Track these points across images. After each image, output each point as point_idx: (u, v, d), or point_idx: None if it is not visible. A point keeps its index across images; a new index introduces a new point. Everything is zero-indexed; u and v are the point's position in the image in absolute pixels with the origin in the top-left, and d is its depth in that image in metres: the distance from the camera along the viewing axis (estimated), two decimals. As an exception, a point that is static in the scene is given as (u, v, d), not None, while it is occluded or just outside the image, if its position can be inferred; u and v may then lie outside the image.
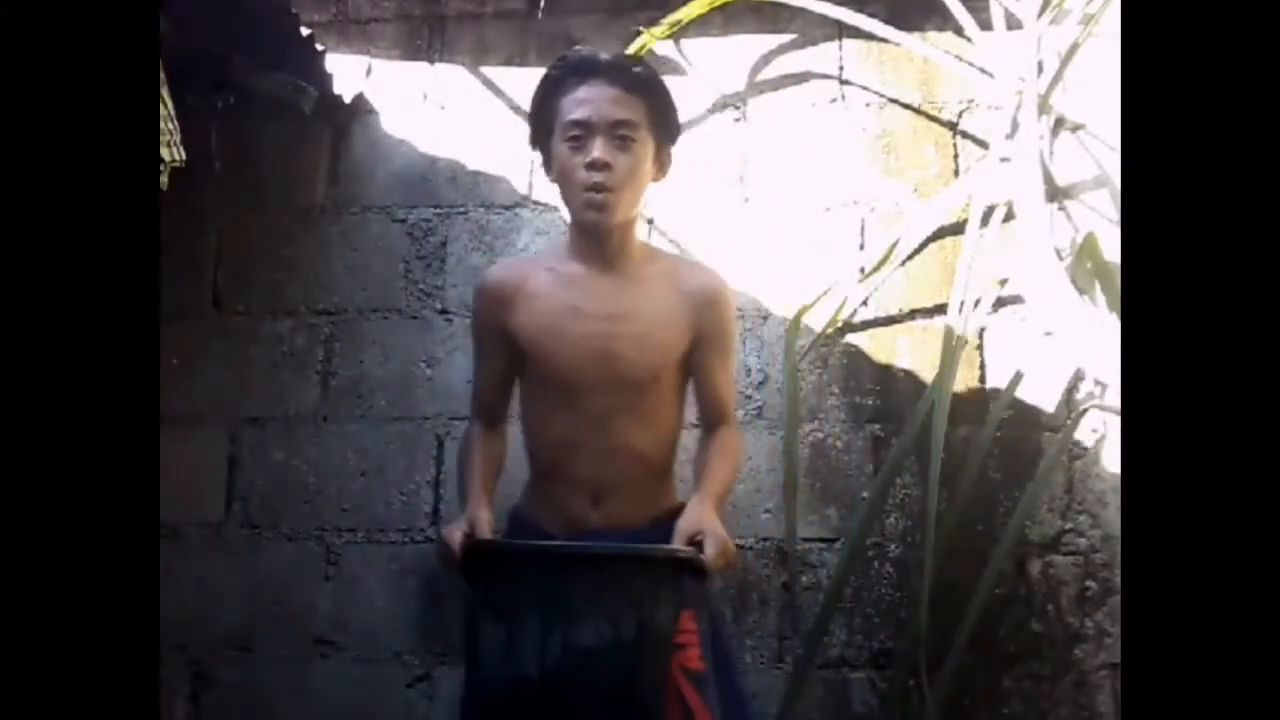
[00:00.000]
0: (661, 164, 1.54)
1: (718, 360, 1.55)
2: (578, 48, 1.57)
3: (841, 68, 2.27)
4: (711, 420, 1.56)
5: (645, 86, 1.49)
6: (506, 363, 1.56)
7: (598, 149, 1.43)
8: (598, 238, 1.50)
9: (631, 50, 2.24)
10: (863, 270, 2.14)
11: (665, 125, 1.52)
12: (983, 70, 2.17)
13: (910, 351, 2.13)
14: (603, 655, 1.23)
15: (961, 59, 2.19)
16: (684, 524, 1.35)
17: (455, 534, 1.34)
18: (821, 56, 2.28)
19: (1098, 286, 1.85)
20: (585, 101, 1.44)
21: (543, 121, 1.51)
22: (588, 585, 1.26)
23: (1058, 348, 2.03)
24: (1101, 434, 2.05)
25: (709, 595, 1.55)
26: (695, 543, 1.31)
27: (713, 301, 1.53)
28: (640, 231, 2.18)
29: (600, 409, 1.47)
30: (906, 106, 2.24)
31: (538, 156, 1.58)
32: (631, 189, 1.47)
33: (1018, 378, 1.97)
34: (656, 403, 1.51)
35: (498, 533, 1.45)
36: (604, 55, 1.50)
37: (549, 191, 1.72)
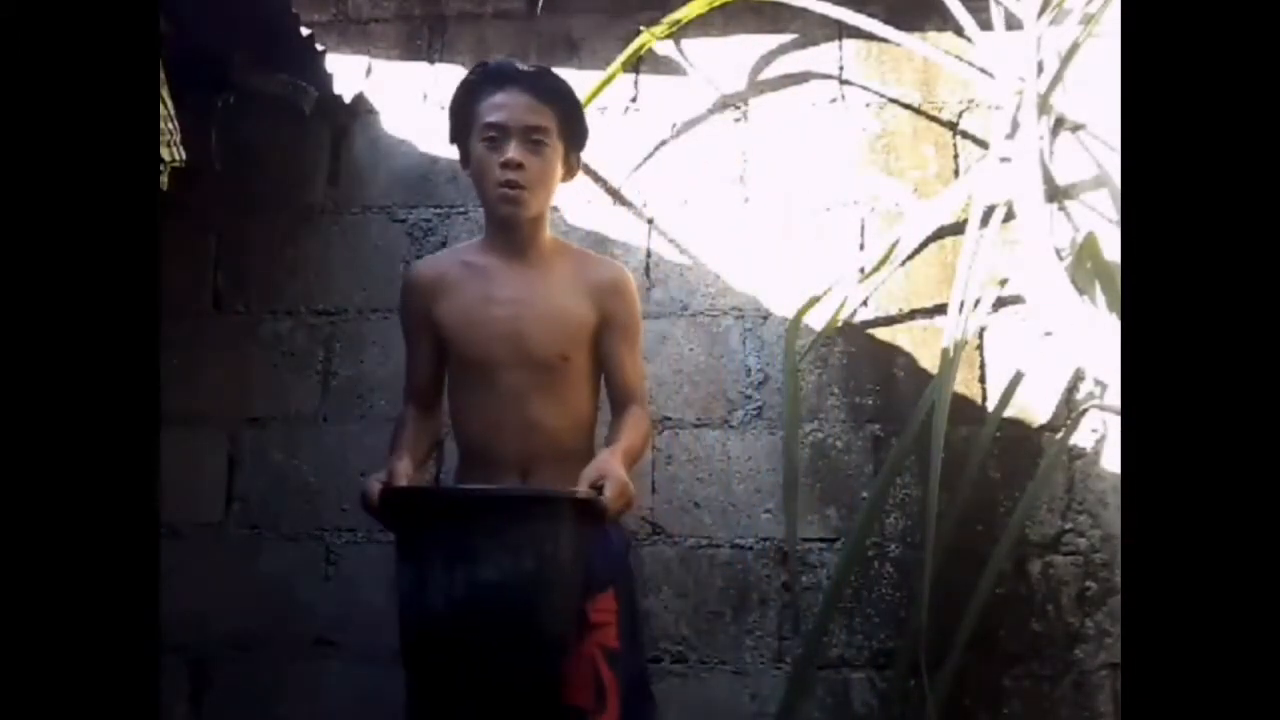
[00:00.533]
0: (570, 167, 1.66)
1: (624, 345, 1.65)
2: (496, 57, 1.70)
3: (841, 68, 2.27)
4: (621, 402, 1.65)
5: (557, 96, 1.61)
6: (433, 350, 1.66)
7: (512, 150, 1.55)
8: (511, 230, 1.62)
9: (631, 50, 2.25)
10: (863, 270, 2.14)
11: (574, 132, 1.64)
12: (983, 70, 2.17)
13: (910, 351, 2.13)
14: (504, 587, 1.29)
15: (961, 59, 2.19)
16: (588, 470, 1.43)
17: (374, 484, 1.43)
18: (821, 56, 2.28)
19: (1098, 286, 1.85)
20: (501, 106, 1.56)
21: (462, 121, 1.63)
22: (491, 526, 1.32)
23: (1058, 348, 2.03)
24: (1101, 434, 2.05)
25: (630, 572, 1.66)
26: (598, 488, 1.39)
27: (616, 290, 1.64)
28: (640, 232, 2.21)
29: (515, 387, 1.58)
30: (906, 106, 2.24)
31: None
32: (543, 188, 1.60)
33: (1018, 378, 1.97)
34: (568, 384, 1.61)
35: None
36: (520, 65, 1.61)
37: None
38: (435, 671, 1.37)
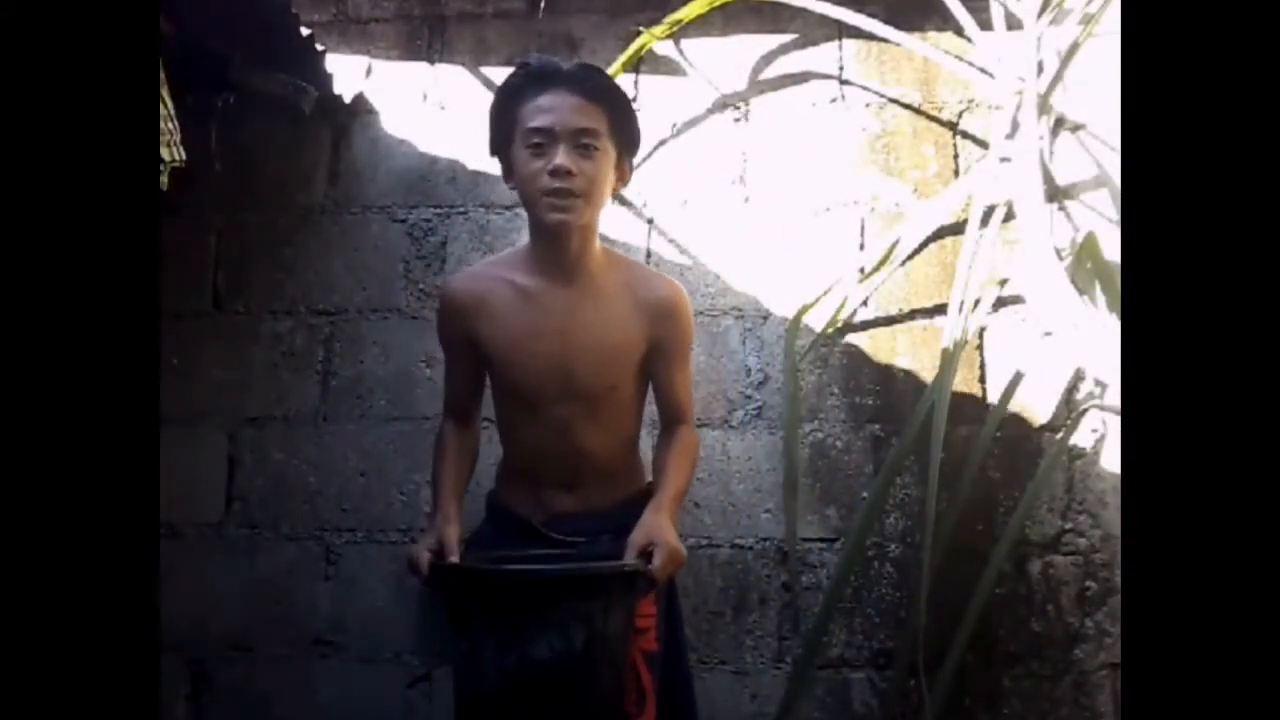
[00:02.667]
0: (622, 173, 1.54)
1: (675, 366, 1.59)
2: (537, 56, 1.57)
3: (841, 68, 2.27)
4: (669, 420, 1.62)
5: (606, 95, 1.49)
6: (473, 366, 1.61)
7: (560, 156, 1.43)
8: (559, 242, 1.50)
9: (631, 50, 2.25)
10: (863, 270, 2.14)
11: (626, 135, 1.52)
12: (983, 70, 2.17)
13: (910, 351, 2.13)
14: (556, 666, 1.30)
15: (961, 59, 2.19)
16: (636, 536, 1.39)
17: (423, 554, 1.41)
18: (821, 56, 2.28)
19: (1098, 286, 1.85)
20: (547, 109, 1.44)
21: (503, 129, 1.51)
22: (540, 604, 1.32)
23: (1058, 348, 2.03)
24: (1101, 434, 2.05)
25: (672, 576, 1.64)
26: (647, 553, 1.37)
27: (670, 313, 1.56)
28: (640, 232, 2.21)
29: (560, 419, 1.53)
30: (906, 106, 2.24)
31: None
32: (595, 195, 1.47)
33: (1018, 378, 1.97)
34: (614, 411, 1.57)
35: (466, 538, 1.51)
36: (564, 64, 1.49)
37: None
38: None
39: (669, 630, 1.55)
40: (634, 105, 1.59)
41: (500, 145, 1.53)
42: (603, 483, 1.55)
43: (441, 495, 1.53)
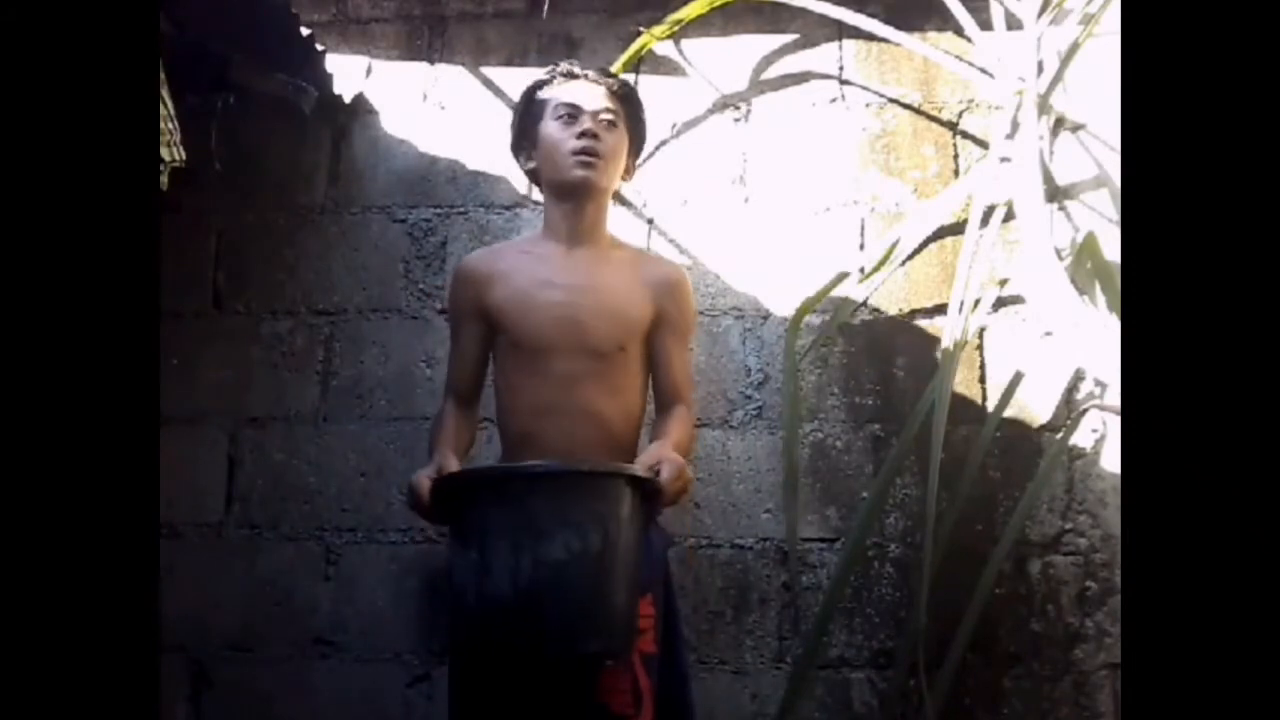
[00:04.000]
0: (628, 167, 1.71)
1: (676, 344, 1.66)
2: (566, 62, 1.72)
3: (841, 68, 2.27)
4: (667, 400, 1.65)
5: (626, 97, 1.68)
6: (480, 342, 1.66)
7: (588, 122, 1.60)
8: (579, 203, 1.63)
9: (631, 50, 2.25)
10: (863, 270, 2.14)
11: (637, 133, 1.71)
12: (983, 70, 2.17)
13: (910, 351, 2.13)
14: (572, 567, 1.27)
15: (961, 59, 2.19)
16: (644, 457, 1.46)
17: (422, 479, 1.41)
18: (821, 56, 2.28)
19: (1098, 286, 1.85)
20: (577, 90, 1.63)
21: (532, 111, 1.66)
22: (553, 504, 1.30)
23: (1058, 348, 2.03)
24: (1101, 434, 2.05)
25: (669, 576, 1.65)
26: (655, 472, 1.41)
27: (673, 289, 1.66)
28: (640, 232, 2.21)
29: (567, 374, 1.56)
30: (906, 106, 2.24)
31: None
32: (614, 163, 1.64)
33: (1018, 378, 1.97)
34: (620, 374, 1.60)
35: None
36: (591, 70, 1.68)
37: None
38: (499, 653, 1.33)
39: (667, 633, 1.55)
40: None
41: (526, 128, 1.67)
42: (604, 458, 1.53)
43: (440, 448, 1.52)
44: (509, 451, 1.62)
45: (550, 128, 1.62)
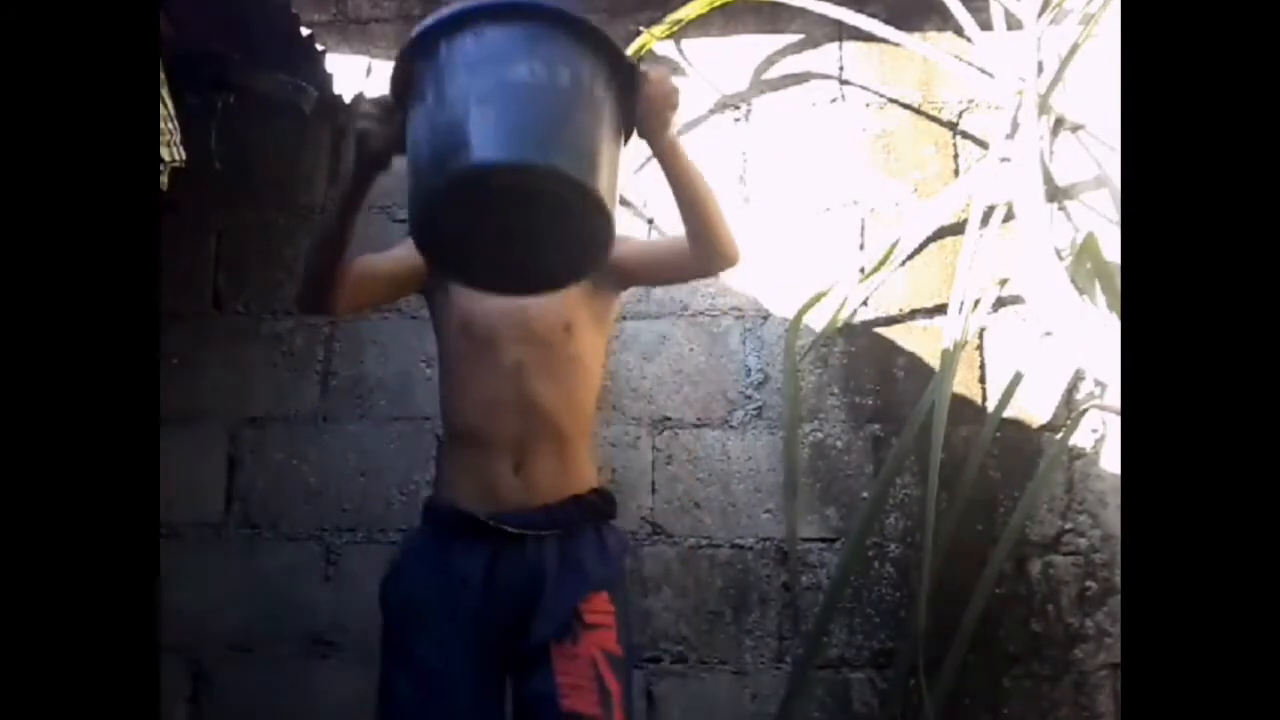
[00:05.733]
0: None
1: (641, 250, 1.71)
2: None
3: (841, 68, 2.27)
4: (671, 240, 1.68)
5: None
6: (407, 276, 1.61)
7: None
8: None
9: (631, 50, 2.24)
10: (863, 270, 2.14)
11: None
12: (983, 70, 2.17)
13: (910, 351, 2.13)
14: (538, 90, 1.16)
15: (961, 59, 2.19)
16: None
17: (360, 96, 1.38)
18: (822, 56, 2.28)
19: (1098, 286, 1.85)
20: None
21: None
22: (523, 34, 1.18)
23: (1058, 348, 2.03)
24: (1101, 434, 2.05)
25: (625, 579, 1.60)
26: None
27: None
28: (640, 232, 2.21)
29: (514, 362, 1.54)
30: (906, 106, 2.24)
31: None
32: None
33: (1018, 378, 1.97)
34: (569, 362, 1.58)
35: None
36: None
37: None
38: (455, 186, 1.15)
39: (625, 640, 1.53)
40: None
41: None
42: (553, 461, 1.53)
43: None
44: (455, 454, 1.60)
45: None
